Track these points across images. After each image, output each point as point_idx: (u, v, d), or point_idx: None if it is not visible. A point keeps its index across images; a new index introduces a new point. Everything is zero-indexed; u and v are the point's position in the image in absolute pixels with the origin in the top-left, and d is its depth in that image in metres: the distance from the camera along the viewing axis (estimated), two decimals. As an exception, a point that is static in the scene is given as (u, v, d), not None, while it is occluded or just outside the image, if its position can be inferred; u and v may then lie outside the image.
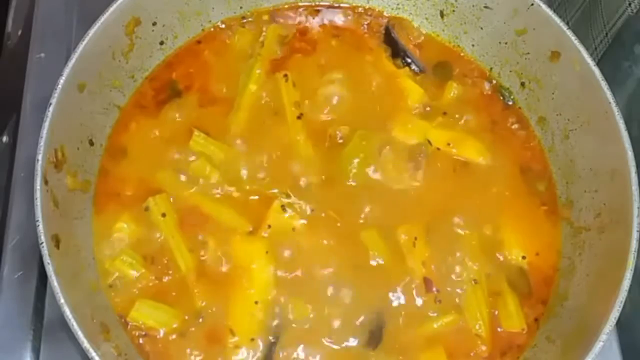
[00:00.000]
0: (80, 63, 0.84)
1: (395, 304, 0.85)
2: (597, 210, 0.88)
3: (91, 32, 0.86)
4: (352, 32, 1.02)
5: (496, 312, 0.86)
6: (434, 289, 0.86)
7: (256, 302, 0.84)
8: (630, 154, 0.84)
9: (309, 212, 0.89)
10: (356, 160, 0.91)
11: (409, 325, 0.85)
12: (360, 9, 1.03)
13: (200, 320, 0.84)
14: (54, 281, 0.75)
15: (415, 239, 0.88)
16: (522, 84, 0.98)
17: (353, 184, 0.91)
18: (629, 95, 0.99)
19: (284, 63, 0.98)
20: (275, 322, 0.84)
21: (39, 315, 0.88)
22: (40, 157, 0.79)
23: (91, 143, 0.89)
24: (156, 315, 0.83)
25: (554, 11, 0.91)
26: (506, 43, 0.97)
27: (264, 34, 1.00)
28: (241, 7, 1.01)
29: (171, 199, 0.88)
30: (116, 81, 0.92)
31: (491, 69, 1.00)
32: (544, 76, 0.95)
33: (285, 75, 0.96)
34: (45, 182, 0.79)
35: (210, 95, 0.95)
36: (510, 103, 0.99)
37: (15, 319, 0.87)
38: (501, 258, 0.89)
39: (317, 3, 1.03)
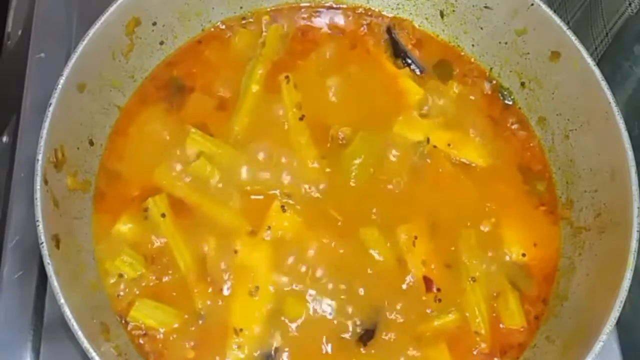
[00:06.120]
0: (80, 63, 0.84)
1: (395, 303, 0.85)
2: (597, 210, 0.88)
3: (91, 32, 0.86)
4: (353, 32, 1.02)
5: (497, 310, 0.86)
6: (434, 287, 0.86)
7: (256, 302, 0.84)
8: (630, 154, 0.84)
9: (309, 212, 0.89)
10: (358, 161, 0.91)
11: (410, 323, 0.85)
12: (360, 10, 1.03)
13: (201, 320, 0.84)
14: (54, 281, 0.75)
15: (415, 238, 0.88)
16: (522, 84, 0.98)
17: (354, 184, 0.91)
18: (629, 95, 0.99)
19: (285, 64, 0.98)
20: (275, 321, 0.84)
21: (39, 315, 0.88)
22: (40, 157, 0.79)
23: (91, 143, 0.89)
24: (156, 315, 0.83)
25: (554, 11, 0.91)
26: (506, 43, 0.97)
27: (264, 34, 1.00)
28: (241, 8, 1.01)
29: (171, 199, 0.88)
30: (116, 81, 0.92)
31: (491, 69, 1.00)
32: (544, 76, 0.95)
33: (287, 77, 0.96)
34: (45, 182, 0.79)
35: (212, 96, 0.95)
36: (510, 103, 0.99)
37: (15, 319, 0.87)
38: (501, 257, 0.89)
39: (317, 3, 1.03)
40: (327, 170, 0.91)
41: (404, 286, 0.86)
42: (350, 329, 0.84)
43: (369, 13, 1.03)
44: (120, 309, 0.84)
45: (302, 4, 1.02)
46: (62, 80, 0.82)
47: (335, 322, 0.84)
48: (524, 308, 0.87)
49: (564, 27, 0.90)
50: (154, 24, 0.95)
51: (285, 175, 0.91)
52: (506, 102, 0.99)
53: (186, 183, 0.89)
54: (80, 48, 0.85)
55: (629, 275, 0.78)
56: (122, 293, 0.84)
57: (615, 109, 0.85)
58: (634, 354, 0.93)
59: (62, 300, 0.74)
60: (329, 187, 0.91)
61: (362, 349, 0.83)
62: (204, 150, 0.91)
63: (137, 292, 0.84)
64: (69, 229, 0.83)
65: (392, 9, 1.03)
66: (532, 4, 0.92)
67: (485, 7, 0.97)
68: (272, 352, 0.83)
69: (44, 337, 0.87)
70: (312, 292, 0.85)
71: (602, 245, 0.86)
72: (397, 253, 0.87)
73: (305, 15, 1.02)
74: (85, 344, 0.73)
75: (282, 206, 0.88)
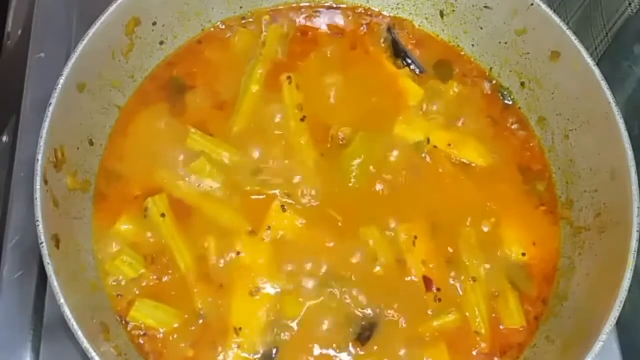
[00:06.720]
0: (80, 63, 0.84)
1: (395, 302, 0.85)
2: (597, 210, 0.88)
3: (91, 32, 0.86)
4: (353, 32, 1.02)
5: (497, 310, 0.86)
6: (434, 287, 0.86)
7: (256, 302, 0.84)
8: (630, 154, 0.84)
9: (309, 212, 0.89)
10: (358, 161, 0.91)
11: (410, 323, 0.85)
12: (360, 10, 1.03)
13: (201, 320, 0.84)
14: (54, 281, 0.75)
15: (415, 238, 0.88)
16: (522, 84, 0.98)
17: (354, 184, 0.91)
18: (629, 95, 0.99)
19: (285, 64, 0.98)
20: (275, 321, 0.84)
21: (39, 315, 0.88)
22: (40, 157, 0.79)
23: (91, 143, 0.89)
24: (156, 315, 0.83)
25: (554, 11, 0.91)
26: (506, 43, 0.97)
27: (264, 34, 1.00)
28: (241, 8, 1.01)
29: (171, 199, 0.88)
30: (116, 81, 0.92)
31: (491, 69, 1.00)
32: (544, 76, 0.95)
33: (289, 77, 0.96)
34: (45, 182, 0.79)
35: (212, 96, 0.95)
36: (510, 103, 0.99)
37: (15, 319, 0.88)
38: (501, 257, 0.89)
39: (317, 3, 1.03)
40: (327, 170, 0.91)
41: (404, 286, 0.86)
42: (350, 328, 0.84)
43: (369, 13, 1.03)
44: (120, 309, 0.84)
45: (302, 4, 1.02)
46: (62, 80, 0.82)
47: (334, 321, 0.84)
48: (524, 308, 0.87)
49: (564, 27, 0.90)
50: (154, 24, 0.95)
51: (285, 176, 0.91)
52: (506, 102, 0.99)
53: (186, 183, 0.90)
54: (80, 48, 0.85)
55: (629, 275, 0.78)
56: (122, 293, 0.84)
57: (615, 109, 0.85)
58: (634, 354, 0.93)
59: (62, 300, 0.74)
60: (329, 187, 0.91)
61: (360, 349, 0.83)
62: (204, 150, 0.91)
63: (137, 292, 0.84)
64: (69, 229, 0.83)
65: (392, 9, 1.03)
66: (532, 4, 0.92)
67: (485, 7, 0.97)
68: (272, 352, 0.83)
69: (44, 337, 0.87)
70: (311, 292, 0.85)
71: (602, 245, 0.85)
72: (397, 253, 0.88)
73: (305, 16, 1.02)
74: (85, 344, 0.73)
75: (282, 206, 0.88)
